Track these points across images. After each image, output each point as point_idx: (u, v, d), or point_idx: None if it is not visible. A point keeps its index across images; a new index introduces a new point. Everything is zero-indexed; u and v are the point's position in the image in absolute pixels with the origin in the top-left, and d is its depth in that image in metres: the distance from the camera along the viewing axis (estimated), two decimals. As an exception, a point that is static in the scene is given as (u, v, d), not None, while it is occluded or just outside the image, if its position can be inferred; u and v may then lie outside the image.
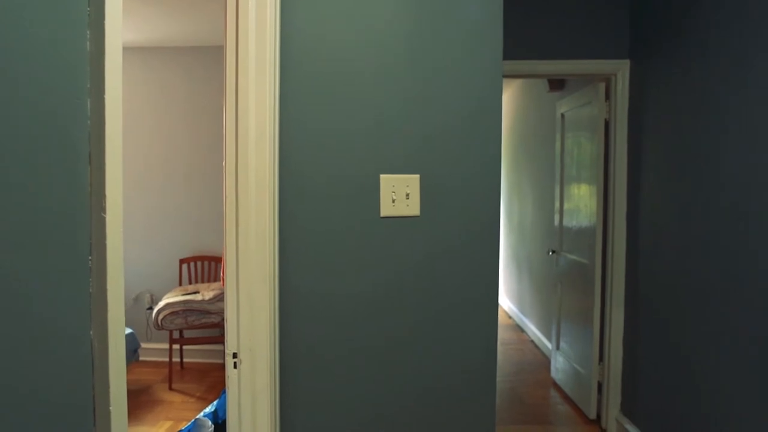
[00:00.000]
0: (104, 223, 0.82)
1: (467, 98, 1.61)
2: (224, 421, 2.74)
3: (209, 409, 3.21)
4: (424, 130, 1.61)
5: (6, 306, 0.68)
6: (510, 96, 6.60)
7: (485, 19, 1.61)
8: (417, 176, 1.62)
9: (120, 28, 0.85)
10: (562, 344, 4.06)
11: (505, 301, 6.86)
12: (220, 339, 4.19)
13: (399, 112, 1.60)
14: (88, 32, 0.81)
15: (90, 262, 0.82)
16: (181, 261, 4.67)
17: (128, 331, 4.03)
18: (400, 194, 1.62)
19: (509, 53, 3.04)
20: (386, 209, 1.62)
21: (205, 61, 4.63)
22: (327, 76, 1.58)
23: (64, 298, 0.79)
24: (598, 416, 3.47)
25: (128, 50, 4.62)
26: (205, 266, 4.74)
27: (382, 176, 1.61)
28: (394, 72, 1.60)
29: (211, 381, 4.28)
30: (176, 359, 4.58)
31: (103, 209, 0.82)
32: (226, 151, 1.52)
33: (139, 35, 4.36)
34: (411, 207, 1.63)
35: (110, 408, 0.81)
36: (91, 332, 0.82)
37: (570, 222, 3.95)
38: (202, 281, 4.72)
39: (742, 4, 2.17)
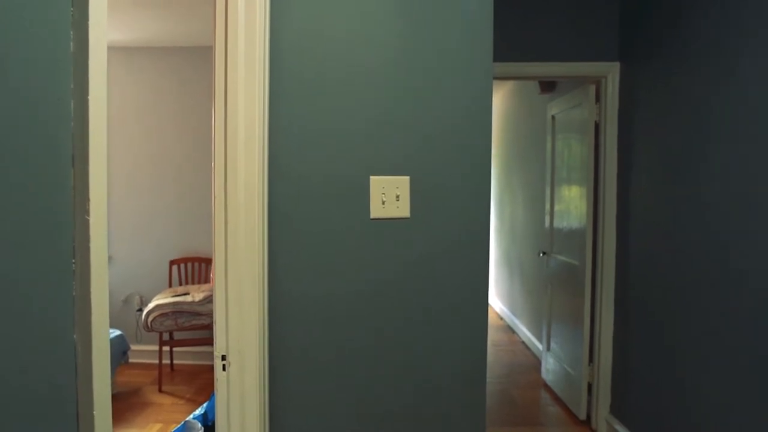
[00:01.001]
0: (88, 226, 0.82)
1: (457, 100, 1.61)
2: (214, 423, 2.73)
3: (199, 411, 3.19)
4: (415, 132, 1.61)
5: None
6: (501, 98, 6.61)
7: (476, 20, 1.61)
8: (407, 178, 1.62)
9: (104, 29, 0.84)
10: (553, 345, 4.07)
11: (496, 303, 6.88)
12: (210, 341, 4.15)
13: (389, 113, 1.60)
14: (71, 32, 0.81)
15: (73, 265, 0.81)
16: (171, 262, 4.65)
17: (118, 333, 4.00)
18: (390, 196, 1.62)
19: (500, 55, 3.05)
20: (376, 211, 1.61)
21: (194, 62, 4.61)
22: (317, 77, 1.57)
23: (47, 301, 0.78)
24: (588, 417, 3.49)
25: (117, 50, 4.59)
26: (195, 267, 4.71)
27: (372, 178, 1.61)
28: (385, 74, 1.59)
29: (201, 383, 4.26)
30: (166, 361, 4.55)
31: (86, 212, 0.81)
32: (215, 152, 1.51)
33: (128, 35, 4.33)
34: (401, 209, 1.62)
35: (94, 412, 0.80)
36: (74, 336, 0.81)
37: (560, 223, 3.96)
38: (192, 283, 4.70)
39: (731, 8, 2.19)
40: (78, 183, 0.81)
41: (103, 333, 0.83)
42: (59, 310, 0.80)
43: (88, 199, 0.81)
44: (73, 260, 0.81)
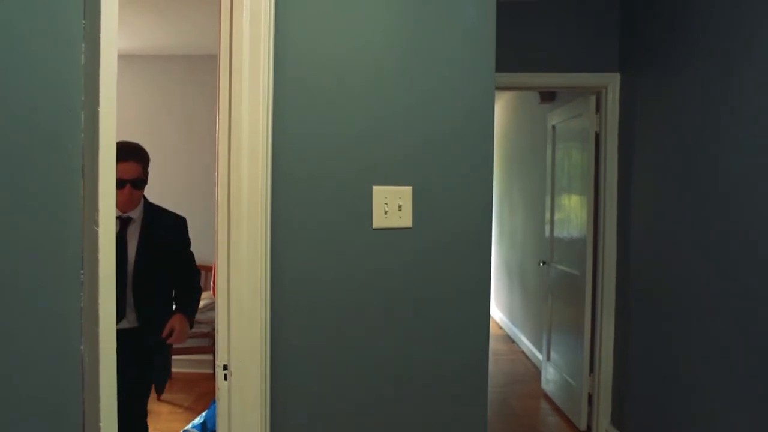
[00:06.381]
0: (96, 236, 0.81)
1: (460, 110, 1.62)
2: (213, 433, 2.72)
3: (198, 420, 3.17)
4: (418, 142, 1.61)
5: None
6: (501, 107, 6.64)
7: (479, 30, 1.62)
8: (409, 188, 1.62)
9: (115, 41, 0.85)
10: (553, 355, 4.07)
11: (496, 312, 6.87)
12: (209, 349, 4.15)
13: (392, 123, 1.60)
14: (83, 45, 0.81)
15: (82, 276, 0.81)
16: (171, 270, 4.62)
17: (116, 340, 3.97)
18: (392, 206, 1.62)
19: (501, 65, 3.03)
20: (379, 221, 1.61)
21: (197, 70, 4.61)
22: (321, 87, 1.58)
23: (54, 312, 0.77)
24: (589, 428, 3.47)
25: (119, 58, 4.58)
26: (195, 275, 4.68)
27: (375, 188, 1.61)
28: (387, 85, 1.60)
29: (200, 391, 4.23)
30: (165, 369, 4.52)
31: (95, 222, 0.81)
32: (219, 161, 1.51)
33: (131, 43, 4.34)
34: (403, 219, 1.62)
35: (101, 424, 0.79)
36: (81, 347, 0.81)
37: (561, 233, 3.96)
38: (192, 290, 4.67)
39: (731, 17, 2.20)
40: (87, 193, 0.81)
41: (110, 345, 0.83)
42: (67, 322, 0.79)
43: (97, 210, 0.81)
44: (82, 271, 0.81)
